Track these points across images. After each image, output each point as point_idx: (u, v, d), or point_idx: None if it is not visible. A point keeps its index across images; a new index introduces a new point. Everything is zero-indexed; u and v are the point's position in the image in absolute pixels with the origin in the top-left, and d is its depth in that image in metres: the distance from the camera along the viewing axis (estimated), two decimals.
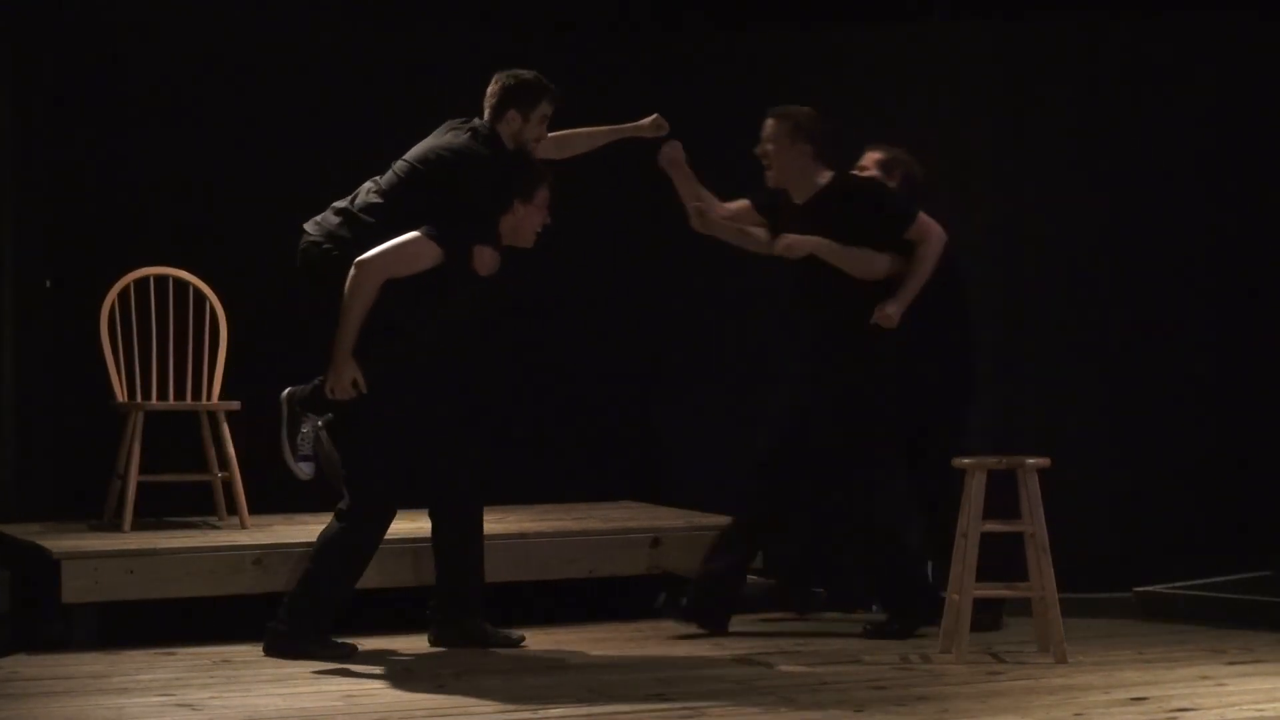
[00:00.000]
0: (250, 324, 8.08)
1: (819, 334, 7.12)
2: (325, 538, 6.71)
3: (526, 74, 6.84)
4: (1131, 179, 8.35)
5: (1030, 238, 8.39)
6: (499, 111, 6.81)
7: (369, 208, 6.70)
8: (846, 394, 7.01)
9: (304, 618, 6.66)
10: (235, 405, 7.70)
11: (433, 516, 6.90)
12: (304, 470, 6.74)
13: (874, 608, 7.68)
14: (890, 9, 8.54)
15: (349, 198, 6.78)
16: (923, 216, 7.10)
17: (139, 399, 7.69)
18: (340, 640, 6.71)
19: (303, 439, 6.71)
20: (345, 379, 6.56)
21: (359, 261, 6.55)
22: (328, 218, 6.74)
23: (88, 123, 8.22)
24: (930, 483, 7.25)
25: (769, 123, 7.12)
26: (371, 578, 6.95)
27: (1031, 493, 6.57)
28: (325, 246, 6.68)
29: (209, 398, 7.77)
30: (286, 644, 6.64)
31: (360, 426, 6.63)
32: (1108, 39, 8.36)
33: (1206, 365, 8.33)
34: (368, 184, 6.80)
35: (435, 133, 6.85)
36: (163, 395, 7.78)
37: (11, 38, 8.10)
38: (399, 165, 6.78)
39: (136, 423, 7.52)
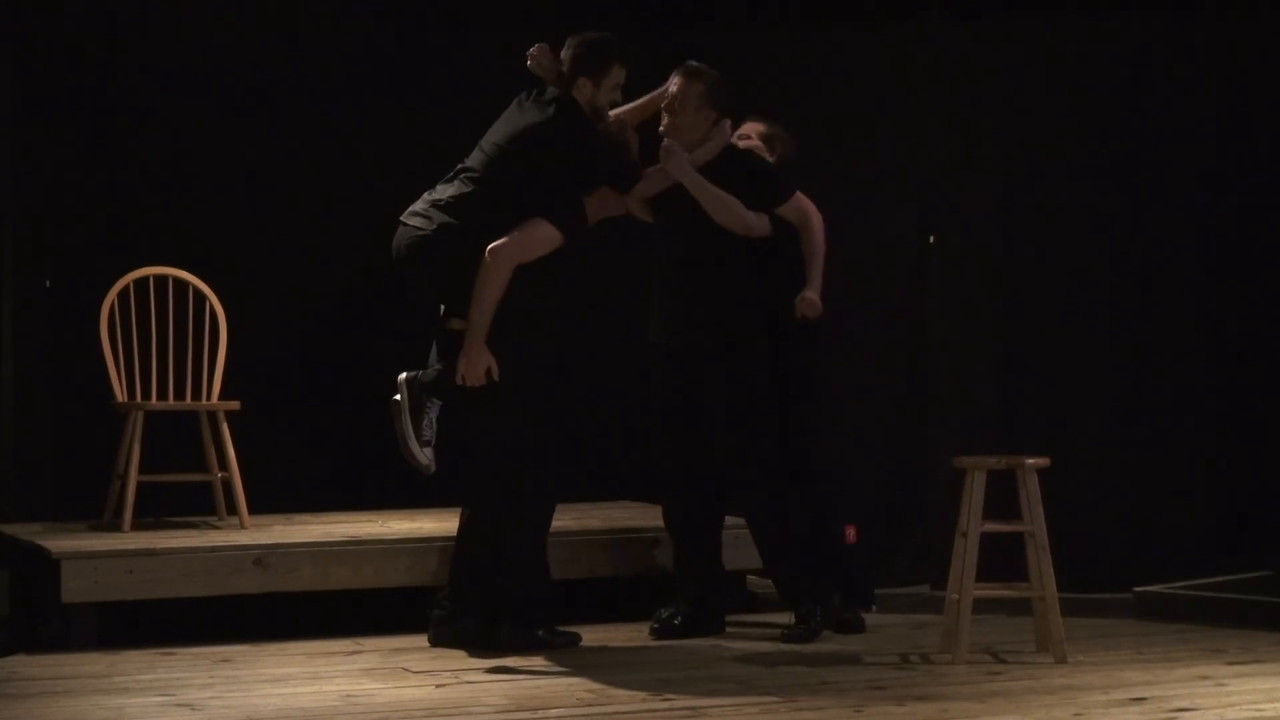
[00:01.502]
0: (250, 324, 8.08)
1: (701, 308, 7.04)
2: (523, 529, 6.69)
3: (597, 38, 6.80)
4: (1133, 179, 8.34)
5: (1030, 237, 8.38)
6: (571, 79, 6.78)
7: (470, 196, 6.66)
8: (741, 369, 6.99)
9: (533, 606, 6.70)
10: (235, 405, 7.70)
11: (475, 507, 6.87)
12: (428, 455, 6.68)
13: (873, 607, 7.68)
14: (890, 9, 8.53)
15: (441, 191, 6.72)
16: (799, 195, 7.11)
17: (139, 399, 7.69)
18: (562, 630, 6.78)
19: (427, 425, 6.69)
20: (480, 366, 6.57)
21: (492, 250, 6.57)
22: (431, 211, 6.68)
23: (87, 123, 8.22)
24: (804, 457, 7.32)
25: (681, 81, 7.04)
26: (388, 575, 6.97)
27: (1031, 492, 6.57)
28: (439, 239, 6.63)
29: (209, 398, 7.77)
30: (523, 637, 6.67)
31: (511, 412, 6.66)
32: (1108, 38, 8.35)
33: (1206, 364, 8.33)
34: (456, 176, 6.74)
35: (511, 110, 6.81)
36: (162, 395, 7.78)
37: (11, 38, 8.10)
38: (489, 148, 6.74)
39: (136, 423, 7.52)
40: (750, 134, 7.33)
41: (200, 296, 7.88)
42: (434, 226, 6.65)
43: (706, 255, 7.03)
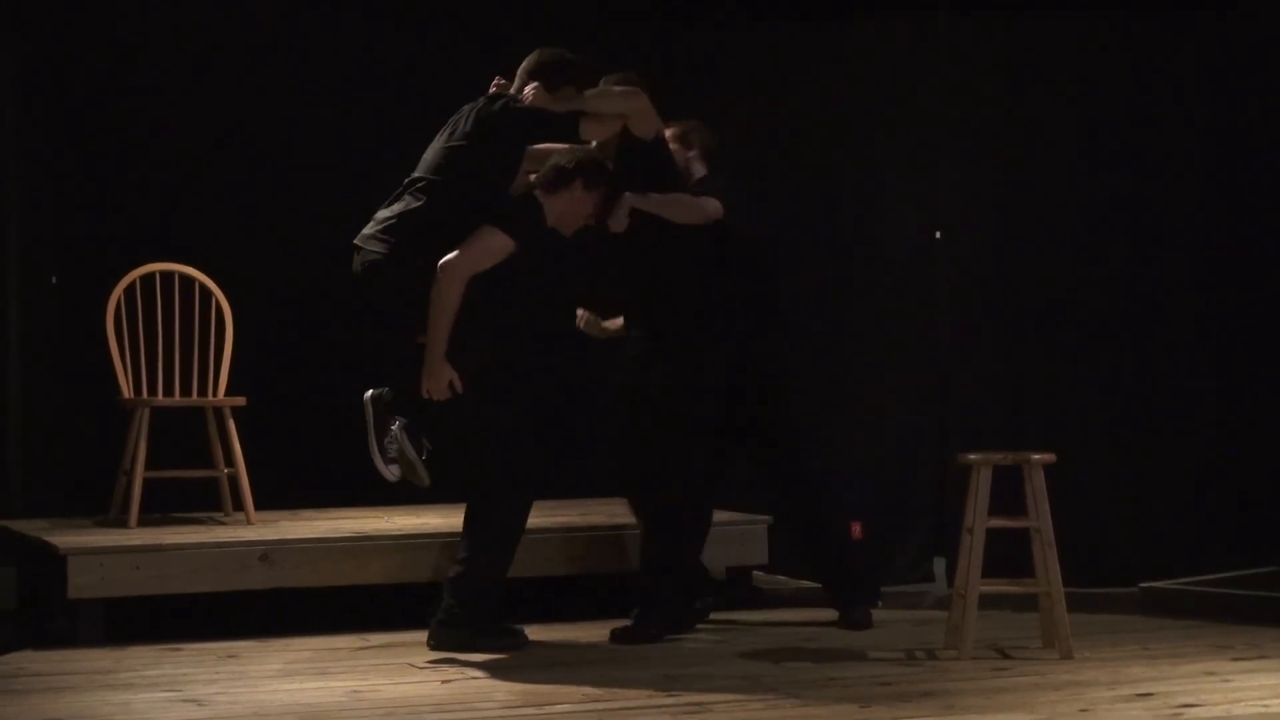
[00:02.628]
0: (256, 320, 8.08)
1: (652, 316, 7.01)
2: (485, 528, 6.66)
3: (561, 54, 6.78)
4: (1134, 176, 8.35)
5: (1034, 234, 8.39)
6: (525, 83, 6.77)
7: (418, 211, 6.61)
8: (683, 362, 6.94)
9: (476, 606, 6.66)
10: (241, 401, 7.71)
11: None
12: (393, 472, 6.68)
13: (879, 603, 7.68)
14: (895, 6, 8.53)
15: (391, 209, 6.66)
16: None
17: (145, 395, 7.70)
18: (509, 626, 6.73)
19: (390, 441, 6.68)
20: (442, 381, 6.56)
21: (443, 265, 6.54)
22: (382, 233, 6.62)
23: (93, 118, 8.23)
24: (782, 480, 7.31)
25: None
26: (394, 571, 6.98)
27: (1037, 488, 6.56)
28: (391, 263, 6.58)
29: (215, 394, 7.77)
30: (454, 634, 6.64)
31: (478, 421, 6.65)
32: (1109, 37, 8.36)
33: (1212, 360, 8.33)
34: (404, 191, 6.69)
35: (457, 116, 6.78)
36: (169, 391, 7.79)
37: (18, 35, 8.11)
38: (435, 154, 6.70)
39: (143, 419, 7.53)
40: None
41: (206, 292, 7.88)
42: (386, 250, 6.59)
43: (655, 261, 6.98)
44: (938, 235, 8.48)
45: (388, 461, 6.68)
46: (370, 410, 6.70)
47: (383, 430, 6.69)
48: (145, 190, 8.28)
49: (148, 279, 7.81)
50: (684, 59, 8.57)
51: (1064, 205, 8.36)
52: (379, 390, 6.74)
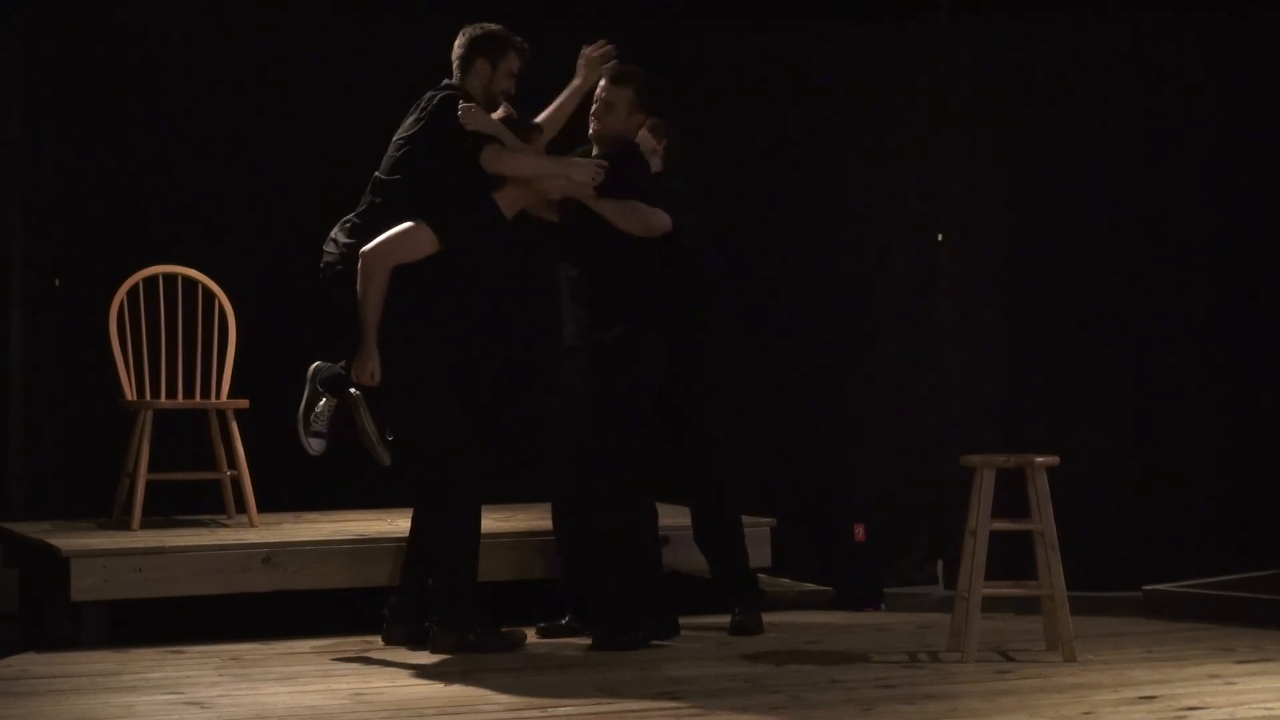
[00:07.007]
0: (259, 322, 8.09)
1: (587, 310, 6.91)
2: (444, 530, 6.65)
3: (494, 26, 6.83)
4: (1138, 178, 8.35)
5: (1037, 237, 8.39)
6: (467, 64, 6.80)
7: (370, 215, 6.70)
8: (610, 368, 6.87)
9: (471, 609, 6.65)
10: (244, 404, 7.71)
11: (418, 508, 6.87)
12: (313, 446, 6.80)
13: (881, 606, 7.67)
14: (897, 7, 8.53)
15: (352, 214, 6.78)
16: (658, 211, 6.90)
17: (148, 397, 7.70)
18: (506, 629, 6.71)
19: (316, 416, 6.77)
20: (366, 367, 6.62)
21: (363, 253, 6.63)
22: (339, 235, 6.74)
23: (97, 121, 8.24)
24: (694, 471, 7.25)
25: (608, 85, 6.86)
26: (397, 573, 6.99)
27: (1040, 491, 6.56)
28: (344, 263, 6.69)
29: (218, 396, 7.78)
30: (454, 637, 6.62)
31: (421, 416, 6.66)
32: (1111, 38, 8.36)
33: (1215, 363, 8.32)
34: (373, 190, 6.77)
35: (415, 108, 6.83)
36: (171, 394, 7.78)
37: (22, 37, 8.12)
38: (395, 147, 6.76)
39: (145, 421, 7.53)
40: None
41: (209, 295, 7.88)
42: (340, 252, 6.70)
43: (599, 260, 6.91)
44: (940, 238, 8.48)
45: (309, 434, 6.79)
46: (309, 382, 6.82)
47: (311, 403, 6.80)
48: (148, 193, 8.29)
49: (151, 281, 7.81)
50: (685, 59, 8.57)
51: (1067, 207, 8.35)
52: (323, 364, 6.82)
